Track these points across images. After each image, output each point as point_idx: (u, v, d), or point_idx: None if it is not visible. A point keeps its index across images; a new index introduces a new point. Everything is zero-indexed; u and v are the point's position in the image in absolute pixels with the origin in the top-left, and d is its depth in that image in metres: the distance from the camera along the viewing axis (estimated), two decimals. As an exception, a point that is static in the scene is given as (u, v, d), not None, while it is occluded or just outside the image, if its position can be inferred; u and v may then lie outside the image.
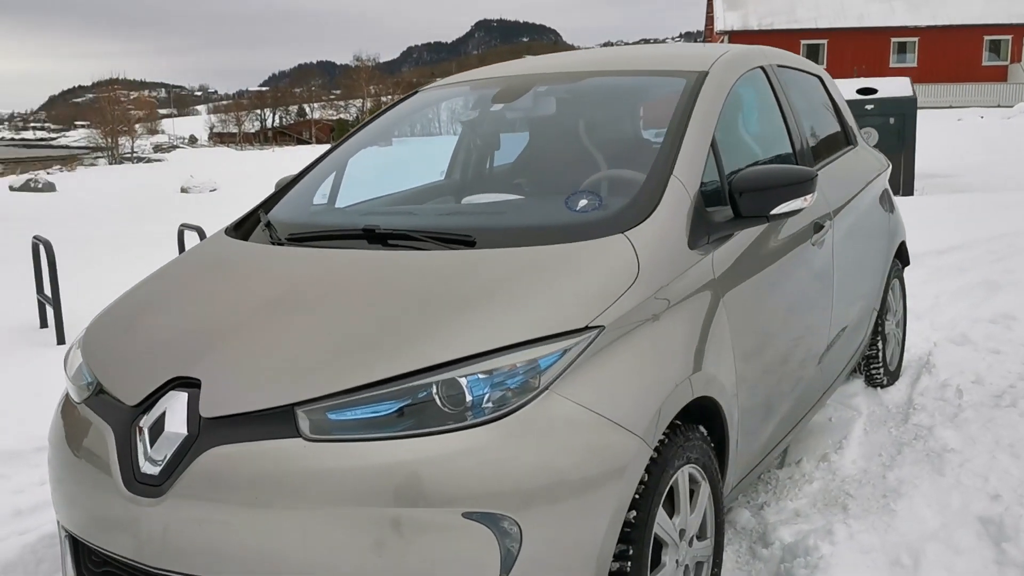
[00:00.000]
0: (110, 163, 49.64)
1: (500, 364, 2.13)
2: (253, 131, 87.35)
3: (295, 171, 3.95)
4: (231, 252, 2.95)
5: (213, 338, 2.35)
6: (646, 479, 2.29)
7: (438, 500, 2.02)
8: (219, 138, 78.96)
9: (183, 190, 24.61)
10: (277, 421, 2.09)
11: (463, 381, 2.10)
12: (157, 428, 2.20)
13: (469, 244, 2.59)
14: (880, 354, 4.57)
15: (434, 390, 2.09)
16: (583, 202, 2.73)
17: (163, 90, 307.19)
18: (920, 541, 3.11)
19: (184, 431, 2.16)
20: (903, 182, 13.66)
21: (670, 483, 2.40)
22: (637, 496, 2.27)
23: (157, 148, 68.96)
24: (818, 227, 3.48)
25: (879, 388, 4.66)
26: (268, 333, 2.33)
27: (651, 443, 2.27)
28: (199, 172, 27.46)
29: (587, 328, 2.25)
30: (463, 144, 4.13)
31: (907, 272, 7.19)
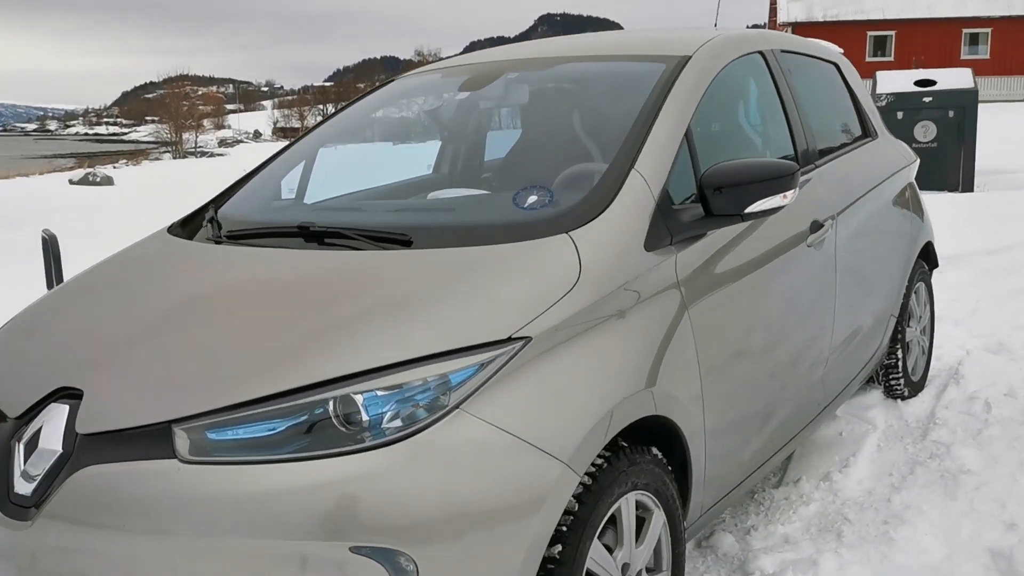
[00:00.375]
0: (174, 158, 50.55)
1: (403, 380, 1.91)
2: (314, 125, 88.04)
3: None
4: (160, 251, 2.77)
5: (108, 346, 2.17)
6: (576, 509, 2.05)
7: (322, 532, 1.81)
8: (282, 133, 79.93)
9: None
10: (153, 440, 1.90)
11: (358, 399, 1.88)
12: (34, 443, 2.02)
13: (405, 244, 2.37)
14: (900, 363, 4.23)
15: (331, 408, 1.87)
16: (532, 198, 2.49)
17: (231, 86, 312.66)
18: (918, 575, 2.81)
19: (59, 448, 1.97)
20: (962, 178, 13.07)
21: (609, 512, 2.15)
22: (564, 528, 2.03)
23: (222, 143, 70.09)
24: (816, 226, 3.18)
25: (899, 400, 4.32)
26: (165, 341, 2.14)
27: (579, 469, 2.02)
28: (254, 165, 27.65)
29: (510, 340, 2.02)
30: (449, 137, 3.91)
31: (951, 274, 6.81)
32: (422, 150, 4.17)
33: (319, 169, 3.53)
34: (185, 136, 66.28)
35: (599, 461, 2.14)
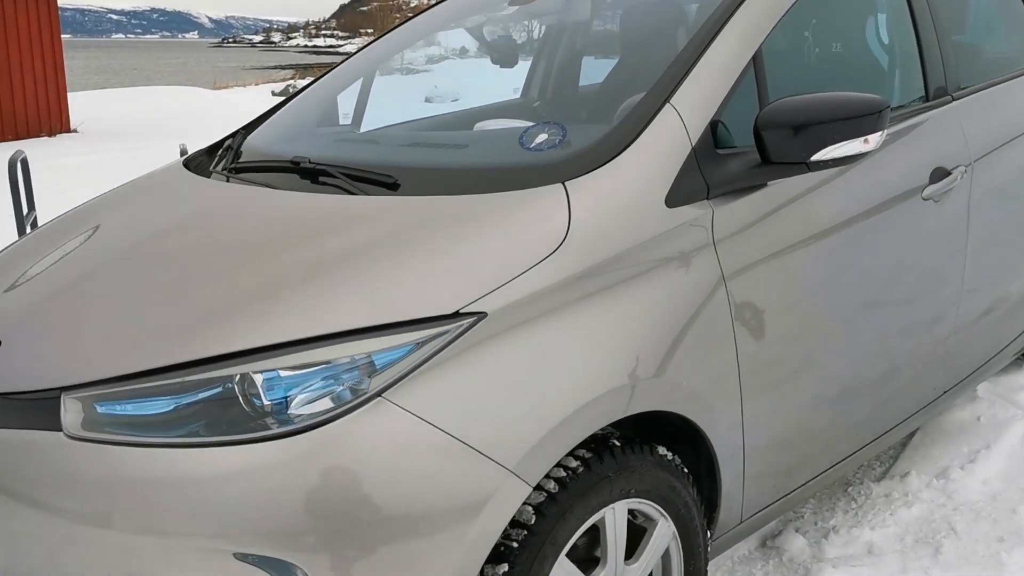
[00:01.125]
0: (380, 73, 51.45)
1: (315, 358, 1.60)
2: (520, 42, 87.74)
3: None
4: (154, 183, 2.55)
5: (44, 294, 1.97)
6: (532, 522, 1.69)
7: (205, 535, 1.54)
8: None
9: (427, 100, 25.03)
10: (43, 408, 1.68)
11: (258, 379, 1.58)
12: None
13: (391, 187, 2.03)
14: (1066, 337, 3.52)
15: (226, 389, 1.59)
16: (541, 137, 2.07)
17: None
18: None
19: None
20: None
21: (586, 525, 1.78)
22: (515, 544, 1.68)
23: (429, 60, 70.98)
24: (940, 175, 2.58)
25: (1063, 381, 3.62)
26: (93, 291, 1.92)
27: (531, 476, 1.66)
28: (446, 82, 27.82)
29: (457, 315, 1.66)
30: (540, 59, 3.50)
31: None
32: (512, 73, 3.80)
33: (380, 92, 3.23)
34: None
35: (574, 464, 1.77)
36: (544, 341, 1.72)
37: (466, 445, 1.60)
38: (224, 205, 2.20)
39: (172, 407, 1.60)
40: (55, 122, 14.60)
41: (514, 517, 1.70)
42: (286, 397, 1.58)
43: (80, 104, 16.78)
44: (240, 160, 2.51)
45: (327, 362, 1.59)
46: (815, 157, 2.01)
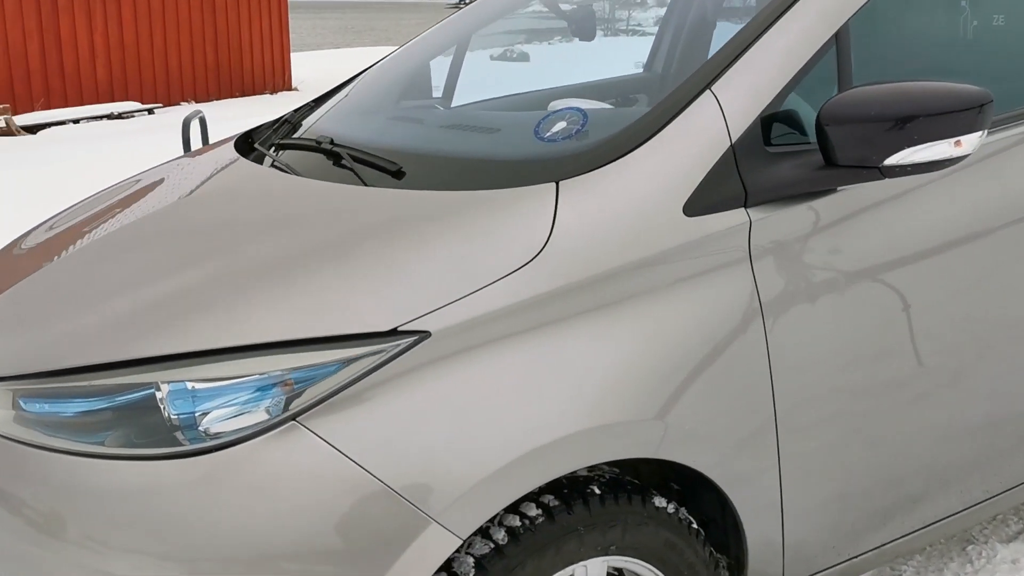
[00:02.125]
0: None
1: (226, 372, 1.43)
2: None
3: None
4: (190, 162, 2.46)
5: (27, 275, 1.91)
6: (469, 578, 1.47)
7: (95, 553, 1.43)
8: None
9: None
10: None
11: (163, 389, 1.44)
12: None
13: (396, 175, 1.83)
14: None
15: (132, 398, 1.46)
16: (558, 126, 1.80)
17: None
18: None
19: None
20: None
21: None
22: (445, 607, 1.46)
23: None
24: None
25: None
26: (59, 276, 1.84)
27: (462, 527, 1.42)
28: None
29: (394, 333, 1.44)
30: (664, 26, 3.18)
31: None
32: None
33: (475, 65, 3.01)
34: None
35: (533, 512, 1.52)
36: (500, 369, 1.47)
37: (384, 484, 1.39)
38: (223, 189, 2.08)
39: (83, 411, 1.48)
40: (278, 80, 15.35)
41: (452, 570, 1.48)
42: (194, 412, 1.42)
43: (304, 63, 17.57)
44: (285, 136, 2.38)
45: (240, 377, 1.42)
46: (890, 161, 1.62)
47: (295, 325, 1.44)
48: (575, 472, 1.62)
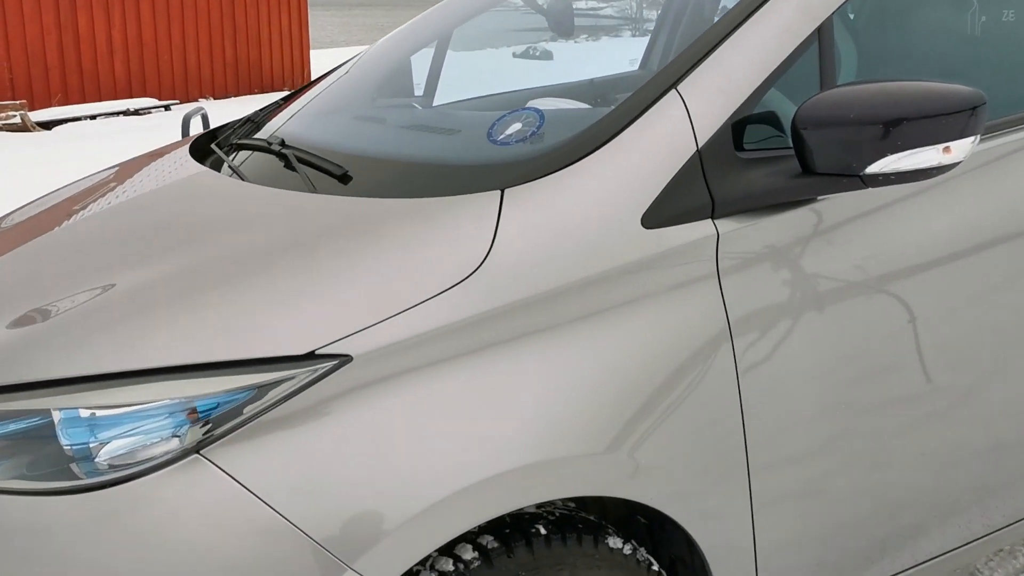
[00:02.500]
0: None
1: (120, 399, 1.30)
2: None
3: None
4: (144, 164, 2.33)
5: None
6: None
7: None
8: None
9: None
10: None
11: (56, 416, 1.31)
12: None
13: (342, 180, 1.70)
14: None
15: (27, 424, 1.33)
16: (512, 128, 1.66)
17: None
18: None
19: None
20: None
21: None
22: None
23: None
24: None
25: None
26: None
27: (381, 574, 1.29)
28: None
29: (311, 357, 1.31)
30: (660, 21, 3.03)
31: None
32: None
33: (456, 63, 2.87)
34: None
35: (468, 556, 1.38)
36: (430, 398, 1.33)
37: (295, 527, 1.26)
38: (157, 194, 1.95)
39: None
40: (296, 76, 15.28)
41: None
42: (89, 443, 1.30)
43: (324, 60, 17.50)
44: (244, 136, 2.25)
45: (140, 404, 1.29)
46: (873, 168, 1.47)
47: (202, 347, 1.31)
48: (521, 509, 1.48)
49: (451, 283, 1.37)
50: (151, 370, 1.30)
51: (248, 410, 1.28)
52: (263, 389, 1.29)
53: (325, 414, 1.29)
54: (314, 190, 1.67)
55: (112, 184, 2.10)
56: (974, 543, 1.96)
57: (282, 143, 1.91)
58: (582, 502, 1.61)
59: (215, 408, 1.28)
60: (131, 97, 12.20)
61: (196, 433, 1.27)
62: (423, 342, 1.33)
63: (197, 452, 1.27)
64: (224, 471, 1.26)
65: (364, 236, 1.44)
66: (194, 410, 1.28)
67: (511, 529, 1.42)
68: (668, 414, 1.46)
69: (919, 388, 1.72)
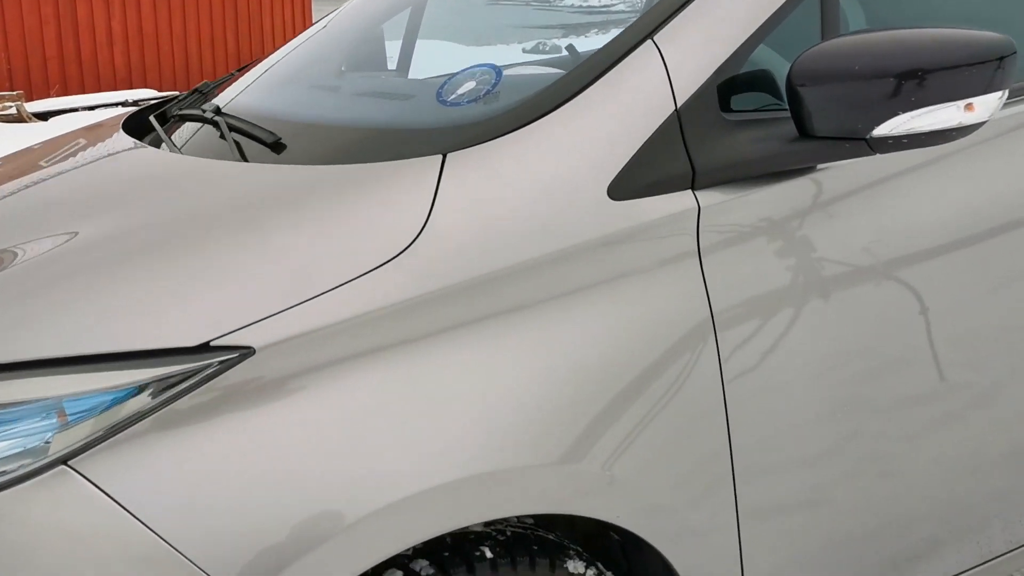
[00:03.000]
0: None
1: None
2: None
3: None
4: (77, 138, 2.11)
5: None
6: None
7: None
8: None
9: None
10: None
11: None
12: None
13: (275, 148, 1.48)
14: None
15: None
16: (465, 88, 1.44)
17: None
18: None
19: None
20: None
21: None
22: None
23: None
24: None
25: None
26: None
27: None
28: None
29: (205, 349, 1.09)
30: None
31: None
32: None
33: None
34: None
35: (397, 584, 1.17)
36: (346, 398, 1.12)
37: (176, 552, 1.04)
38: (72, 168, 1.73)
39: None
40: (300, 69, 15.07)
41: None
42: None
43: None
44: (186, 107, 2.03)
45: (5, 404, 1.08)
46: (881, 130, 1.25)
47: (74, 338, 1.10)
48: (466, 529, 1.26)
49: (377, 263, 1.15)
50: (12, 364, 1.09)
51: (127, 412, 1.07)
52: (146, 387, 1.07)
53: (219, 418, 1.08)
54: (244, 159, 1.46)
55: (30, 159, 1.89)
56: (995, 560, 1.73)
57: (217, 110, 1.70)
58: (547, 519, 1.39)
59: (88, 410, 1.07)
60: (131, 88, 12.02)
61: (64, 439, 1.06)
62: (341, 332, 1.12)
63: (64, 463, 1.06)
64: (94, 484, 1.05)
65: (279, 207, 1.22)
66: (63, 412, 1.07)
67: (451, 552, 1.21)
68: (638, 418, 1.24)
69: (933, 387, 1.50)
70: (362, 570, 1.10)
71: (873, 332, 1.42)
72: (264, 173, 1.35)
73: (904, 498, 1.53)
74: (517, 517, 1.33)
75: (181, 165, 1.50)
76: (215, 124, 1.60)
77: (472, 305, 1.17)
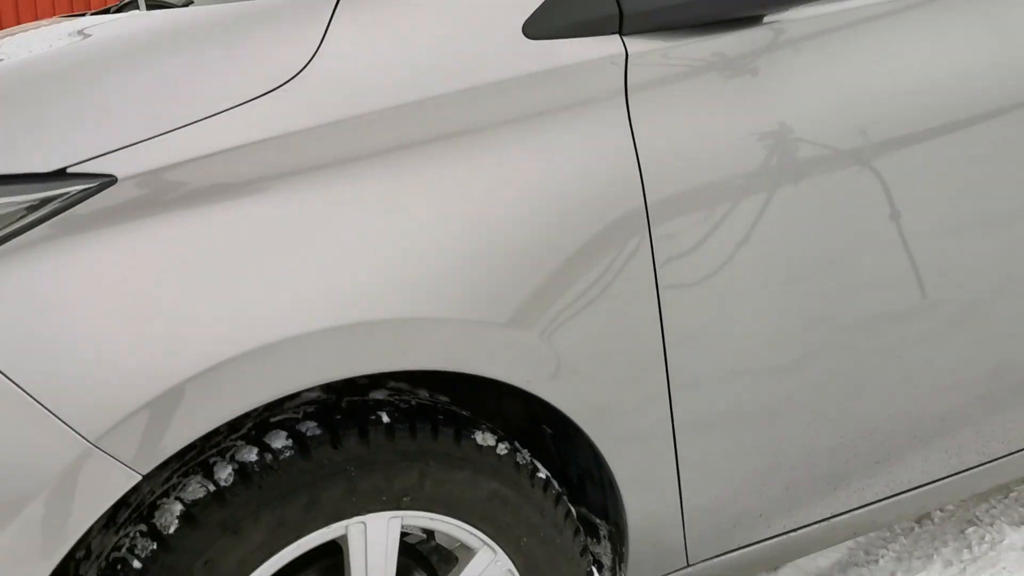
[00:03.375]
0: None
1: None
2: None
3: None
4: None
5: None
6: (172, 531, 1.02)
7: None
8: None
9: None
10: None
11: None
12: None
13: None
14: None
15: None
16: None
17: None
18: None
19: None
20: None
21: (288, 548, 1.07)
22: (137, 562, 1.02)
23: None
24: None
25: None
26: None
27: (141, 460, 0.98)
28: None
29: (63, 176, 1.00)
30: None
31: None
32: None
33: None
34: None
35: (279, 443, 1.07)
36: (218, 232, 1.02)
37: (24, 393, 0.95)
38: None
39: None
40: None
41: (151, 521, 1.04)
42: None
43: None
44: None
45: None
46: None
47: None
48: (368, 396, 1.16)
49: (256, 93, 1.05)
50: None
51: None
52: None
53: (75, 249, 0.99)
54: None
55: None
56: (962, 473, 1.61)
57: None
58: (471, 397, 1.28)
59: None
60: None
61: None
62: (214, 163, 1.02)
63: None
64: None
65: (158, 36, 1.13)
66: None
67: (344, 415, 1.11)
68: (553, 275, 1.14)
69: (897, 283, 1.38)
70: (229, 418, 1.00)
71: (828, 218, 1.30)
72: (173, 13, 1.27)
73: (867, 411, 1.42)
74: (429, 393, 1.23)
75: (94, 20, 1.42)
76: None
77: (367, 140, 1.08)
